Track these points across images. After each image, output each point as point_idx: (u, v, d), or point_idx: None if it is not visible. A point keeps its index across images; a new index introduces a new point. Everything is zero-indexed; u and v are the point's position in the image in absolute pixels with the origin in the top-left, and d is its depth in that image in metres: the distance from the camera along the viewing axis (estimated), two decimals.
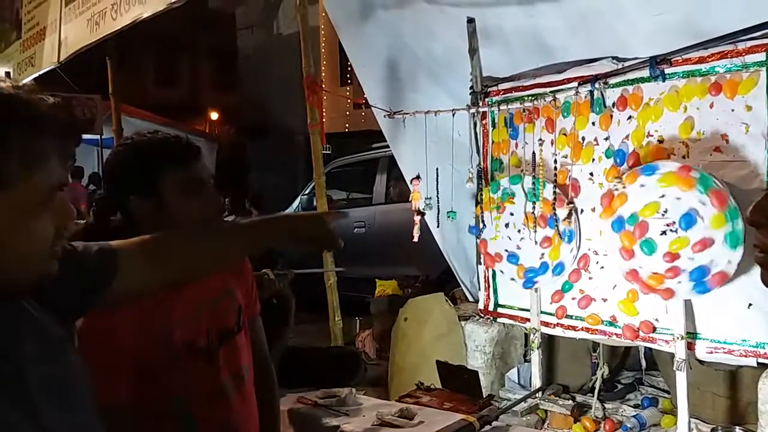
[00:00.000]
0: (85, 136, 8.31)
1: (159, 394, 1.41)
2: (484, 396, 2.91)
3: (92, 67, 5.80)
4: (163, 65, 18.86)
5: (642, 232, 2.72)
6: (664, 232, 2.67)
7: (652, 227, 2.70)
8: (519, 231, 3.28)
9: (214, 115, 18.34)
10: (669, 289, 2.68)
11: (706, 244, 2.55)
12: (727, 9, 2.57)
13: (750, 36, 2.53)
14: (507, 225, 3.33)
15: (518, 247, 3.31)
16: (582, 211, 3.11)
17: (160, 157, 1.46)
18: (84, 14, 4.70)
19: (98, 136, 8.14)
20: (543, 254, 3.22)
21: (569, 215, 3.07)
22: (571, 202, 3.10)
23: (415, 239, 3.67)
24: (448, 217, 3.59)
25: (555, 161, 3.14)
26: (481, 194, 3.45)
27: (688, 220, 2.60)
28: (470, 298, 4.03)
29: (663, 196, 2.68)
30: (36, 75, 5.27)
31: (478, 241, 3.54)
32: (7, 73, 5.68)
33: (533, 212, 3.18)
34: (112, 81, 5.67)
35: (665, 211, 2.67)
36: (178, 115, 13.64)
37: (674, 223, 2.64)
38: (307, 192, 8.02)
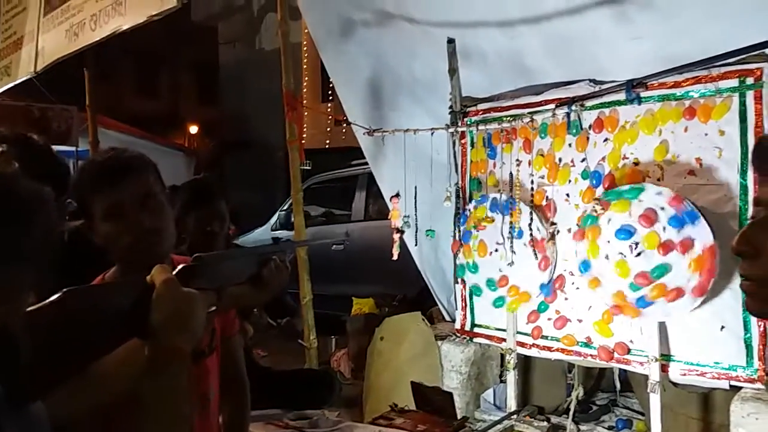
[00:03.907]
0: (60, 148, 8.18)
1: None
2: (459, 418, 2.89)
3: (70, 78, 5.73)
4: (142, 78, 18.72)
5: (646, 276, 2.68)
6: (639, 253, 2.69)
7: (639, 266, 2.70)
8: (496, 250, 3.28)
9: (193, 129, 18.23)
10: (706, 248, 2.53)
11: (648, 217, 2.66)
12: (701, 35, 2.61)
13: (723, 62, 2.58)
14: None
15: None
16: (558, 232, 3.12)
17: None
18: (62, 25, 4.66)
19: (74, 148, 8.00)
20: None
21: (552, 237, 3.08)
22: (553, 223, 3.10)
23: (395, 257, 3.65)
24: (427, 235, 3.58)
25: (532, 182, 3.16)
26: (458, 213, 3.45)
27: (624, 233, 2.72)
28: (447, 318, 4.01)
29: (607, 256, 2.79)
30: (12, 85, 5.20)
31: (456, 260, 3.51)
32: None
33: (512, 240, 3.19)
34: (89, 92, 5.60)
35: (621, 254, 2.75)
36: (157, 129, 13.53)
37: (629, 246, 2.72)
38: (285, 208, 7.98)
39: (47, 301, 0.89)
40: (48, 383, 0.90)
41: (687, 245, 2.57)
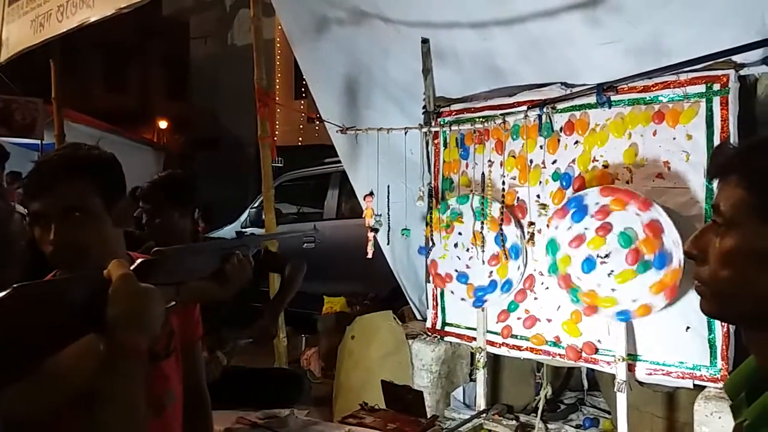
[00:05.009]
0: (25, 141, 7.96)
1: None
2: (429, 416, 2.89)
3: (36, 69, 5.60)
4: (111, 71, 18.32)
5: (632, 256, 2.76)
6: (606, 256, 2.74)
7: (613, 265, 2.76)
8: (467, 250, 3.30)
9: (163, 124, 17.94)
10: (642, 199, 2.70)
11: (605, 227, 2.78)
12: (671, 41, 2.66)
13: (691, 68, 2.63)
14: (456, 245, 3.35)
15: (467, 267, 3.33)
16: (540, 231, 3.14)
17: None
18: (28, 15, 4.55)
19: (39, 141, 7.81)
20: (491, 272, 3.25)
21: (532, 236, 3.09)
22: (532, 223, 3.12)
23: (369, 255, 3.64)
24: (403, 234, 3.58)
25: (503, 182, 3.18)
26: (431, 214, 3.46)
27: (588, 263, 2.82)
28: (418, 317, 4.02)
29: (599, 284, 2.82)
30: None
31: (428, 261, 3.54)
32: None
33: (481, 231, 3.20)
34: (55, 85, 5.47)
35: (609, 269, 2.78)
36: (126, 123, 13.27)
37: (599, 263, 2.79)
38: (256, 205, 7.90)
39: None
40: None
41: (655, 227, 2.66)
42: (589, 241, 2.81)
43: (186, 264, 1.26)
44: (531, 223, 3.11)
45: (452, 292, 3.44)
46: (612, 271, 2.75)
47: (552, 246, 2.94)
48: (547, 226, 2.99)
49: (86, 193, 1.30)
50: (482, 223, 3.20)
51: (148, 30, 16.71)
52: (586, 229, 2.82)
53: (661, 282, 2.63)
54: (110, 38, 14.48)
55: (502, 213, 3.13)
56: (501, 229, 3.14)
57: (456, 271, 3.37)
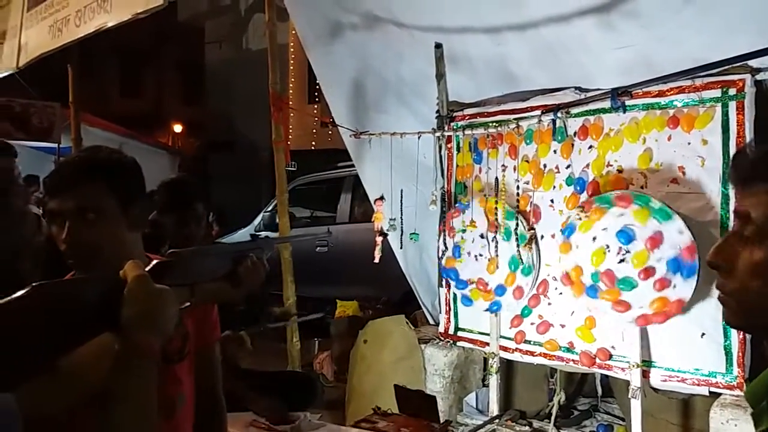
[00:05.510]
0: (42, 145, 8.06)
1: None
2: (442, 421, 2.89)
3: (53, 74, 5.67)
4: (127, 76, 18.55)
5: (611, 278, 2.72)
6: (622, 260, 2.71)
7: (614, 267, 2.72)
8: (480, 255, 3.29)
9: (178, 128, 18.09)
10: (676, 300, 2.58)
11: (656, 240, 2.62)
12: (686, 45, 2.65)
13: (707, 72, 2.61)
14: (482, 235, 3.29)
15: (468, 254, 3.33)
16: (542, 237, 3.14)
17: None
18: (46, 20, 4.61)
19: (56, 145, 7.91)
20: (471, 280, 3.31)
21: (530, 240, 3.09)
22: (532, 228, 3.12)
23: (376, 260, 3.65)
24: (411, 238, 3.58)
25: (517, 187, 3.18)
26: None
27: (625, 236, 2.69)
28: (431, 321, 4.02)
29: (594, 238, 2.77)
30: None
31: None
32: None
33: (496, 254, 3.19)
34: (72, 89, 5.53)
35: (607, 247, 2.74)
36: (142, 127, 13.41)
37: (620, 247, 2.70)
38: (269, 208, 7.94)
39: (14, 295, 0.88)
40: (14, 376, 0.89)
41: (664, 285, 2.60)
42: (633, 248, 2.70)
43: (200, 266, 1.28)
44: (531, 228, 3.10)
45: (445, 245, 3.42)
46: (607, 251, 2.75)
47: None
48: (566, 283, 2.96)
49: (102, 194, 1.32)
50: (495, 237, 3.19)
51: (164, 35, 16.87)
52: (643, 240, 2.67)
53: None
54: (126, 43, 14.64)
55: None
56: (503, 285, 3.18)
57: (462, 239, 3.35)
